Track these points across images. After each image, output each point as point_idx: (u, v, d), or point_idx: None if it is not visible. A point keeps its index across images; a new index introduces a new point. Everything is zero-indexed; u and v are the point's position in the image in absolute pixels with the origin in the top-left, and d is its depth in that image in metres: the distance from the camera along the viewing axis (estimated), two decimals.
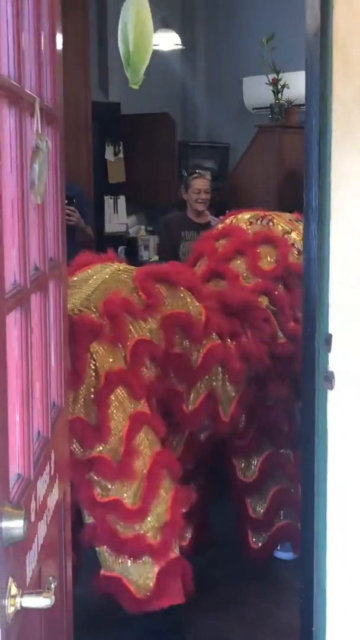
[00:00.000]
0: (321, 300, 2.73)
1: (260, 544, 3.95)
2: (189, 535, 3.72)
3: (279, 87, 6.63)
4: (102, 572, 3.07)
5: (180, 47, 7.04)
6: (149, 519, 3.01)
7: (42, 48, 1.90)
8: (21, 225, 1.62)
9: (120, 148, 7.50)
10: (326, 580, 2.79)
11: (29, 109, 1.71)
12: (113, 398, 3.03)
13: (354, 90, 2.59)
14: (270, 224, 3.95)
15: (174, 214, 5.68)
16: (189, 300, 3.42)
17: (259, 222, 3.97)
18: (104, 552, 3.07)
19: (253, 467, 3.89)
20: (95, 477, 3.01)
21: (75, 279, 3.36)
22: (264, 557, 3.96)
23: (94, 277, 3.34)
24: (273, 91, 6.67)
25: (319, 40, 2.64)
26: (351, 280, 2.67)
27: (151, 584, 3.01)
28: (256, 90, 7.23)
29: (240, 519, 3.97)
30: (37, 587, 1.66)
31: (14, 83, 1.58)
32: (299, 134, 4.87)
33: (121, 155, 7.38)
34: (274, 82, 6.60)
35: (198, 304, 3.45)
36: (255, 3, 7.77)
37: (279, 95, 6.67)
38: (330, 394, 2.72)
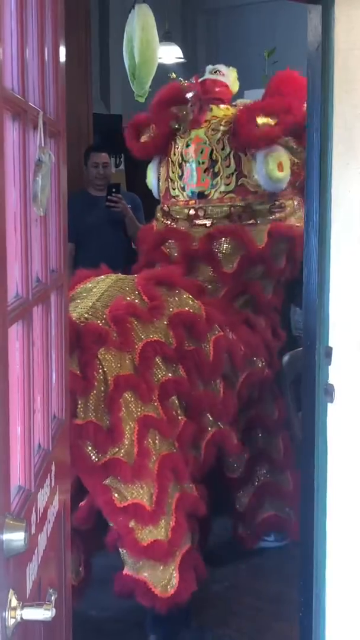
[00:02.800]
0: (321, 312, 2.74)
1: (248, 532, 4.13)
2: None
3: None
4: (125, 571, 3.15)
5: (182, 60, 7.07)
6: (161, 522, 3.10)
7: (46, 61, 1.92)
8: (24, 238, 1.63)
9: (122, 160, 7.52)
10: (325, 593, 2.79)
11: (33, 122, 1.72)
12: (122, 402, 3.09)
13: (355, 106, 2.61)
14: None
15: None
16: (188, 299, 3.54)
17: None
18: (125, 553, 3.15)
19: (241, 462, 4.04)
20: (112, 483, 3.07)
21: (78, 290, 3.45)
22: (252, 545, 4.15)
23: (97, 287, 3.44)
24: None
25: (320, 56, 2.66)
26: (351, 293, 2.68)
27: (174, 583, 3.11)
28: None
29: (233, 513, 4.13)
30: (37, 599, 1.66)
31: (18, 96, 1.59)
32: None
33: (122, 167, 7.40)
34: None
35: (196, 301, 3.57)
36: (256, 17, 7.81)
37: None
38: (330, 406, 2.73)
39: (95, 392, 3.08)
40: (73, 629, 2.28)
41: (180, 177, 4.01)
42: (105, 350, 3.13)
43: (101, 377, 3.10)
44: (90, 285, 3.49)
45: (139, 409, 3.14)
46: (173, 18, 7.56)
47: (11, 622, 1.37)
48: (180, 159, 4.00)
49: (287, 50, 6.48)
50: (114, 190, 5.24)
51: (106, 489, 3.07)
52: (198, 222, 3.96)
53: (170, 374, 3.32)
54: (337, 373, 2.70)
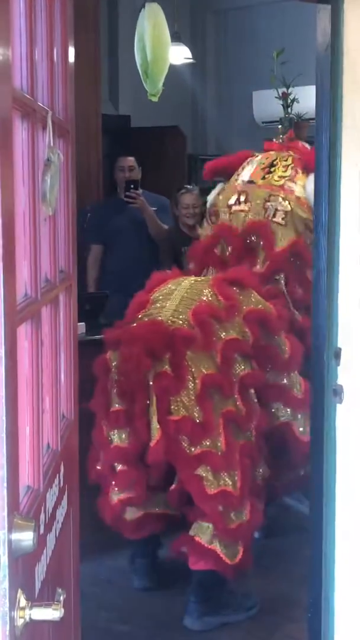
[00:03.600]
0: (331, 314, 2.73)
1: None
2: (262, 507, 3.99)
3: (289, 101, 6.63)
4: (196, 538, 3.45)
5: (190, 60, 7.06)
6: (247, 506, 3.45)
7: (55, 61, 1.92)
8: (33, 237, 1.63)
9: None
10: (334, 595, 2.78)
11: (42, 122, 1.72)
12: (209, 399, 3.41)
13: None
14: (248, 203, 4.10)
15: (172, 229, 5.67)
16: (260, 300, 3.78)
17: (237, 204, 4.14)
18: (205, 526, 3.44)
19: None
20: (202, 472, 3.38)
21: (157, 294, 3.77)
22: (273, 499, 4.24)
23: (176, 290, 3.73)
24: (283, 105, 6.67)
25: (329, 57, 2.66)
26: None
27: (239, 554, 3.47)
28: (266, 104, 7.23)
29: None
30: (46, 599, 1.66)
31: (27, 96, 1.59)
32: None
33: None
34: (284, 96, 6.59)
35: (265, 301, 3.80)
36: (265, 17, 7.80)
37: (289, 109, 6.67)
38: (339, 407, 2.72)
39: (185, 390, 3.40)
40: (81, 631, 2.28)
41: (239, 174, 4.26)
42: (192, 352, 3.45)
43: (190, 377, 3.42)
44: (167, 290, 3.76)
45: (222, 404, 3.46)
46: (182, 19, 7.54)
47: (20, 622, 1.37)
48: (236, 177, 4.26)
49: (296, 51, 6.46)
50: (132, 186, 5.37)
51: (198, 479, 3.39)
52: (236, 207, 4.12)
53: (247, 369, 3.59)
54: (346, 374, 2.70)
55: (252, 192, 4.13)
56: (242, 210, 4.10)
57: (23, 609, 1.38)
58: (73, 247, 2.18)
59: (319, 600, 2.80)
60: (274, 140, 4.58)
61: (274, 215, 4.05)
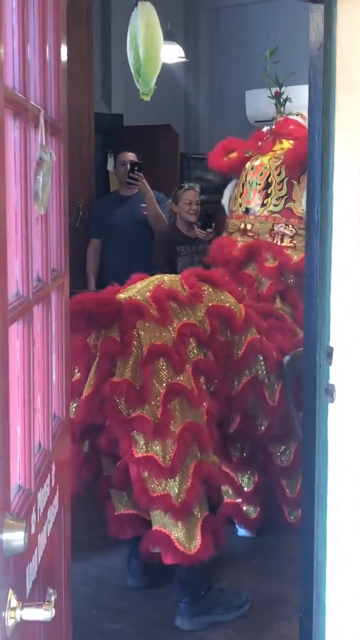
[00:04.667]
0: (323, 313, 2.73)
1: (293, 518, 4.24)
2: (255, 511, 4.13)
3: (282, 100, 6.63)
4: (154, 527, 3.49)
5: (183, 59, 7.06)
6: (172, 481, 3.45)
7: (47, 60, 1.91)
8: (24, 236, 1.63)
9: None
10: (325, 594, 2.78)
11: (34, 120, 1.71)
12: (153, 368, 3.51)
13: (357, 105, 2.61)
14: (255, 236, 4.32)
15: (168, 228, 5.69)
16: (230, 299, 3.92)
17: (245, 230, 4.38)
18: (157, 512, 3.49)
19: (289, 452, 4.22)
20: (135, 436, 3.47)
21: (130, 286, 3.90)
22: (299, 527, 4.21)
23: (146, 281, 3.90)
24: (275, 104, 6.67)
25: (322, 56, 2.66)
26: (352, 293, 2.67)
27: (197, 543, 3.46)
28: (259, 103, 7.22)
29: (277, 499, 4.30)
30: (37, 599, 1.65)
31: (19, 95, 1.59)
32: None
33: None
34: (277, 96, 6.60)
35: (238, 303, 3.94)
36: (258, 16, 7.80)
37: (282, 108, 6.67)
38: (331, 406, 2.73)
39: (132, 357, 3.51)
40: (72, 629, 2.28)
41: (241, 195, 4.45)
42: (142, 322, 3.57)
43: (138, 344, 3.53)
44: (139, 283, 3.91)
45: (170, 377, 3.55)
46: (175, 17, 7.56)
47: (10, 622, 1.36)
48: (244, 179, 4.46)
49: (289, 50, 6.46)
50: (135, 168, 5.46)
51: (129, 440, 3.48)
52: (244, 238, 4.36)
53: (202, 356, 3.70)
54: (338, 373, 2.70)
55: (255, 225, 4.34)
56: (251, 237, 4.33)
57: (14, 609, 1.37)
58: (65, 246, 2.17)
59: (311, 599, 2.80)
60: (265, 129, 4.75)
61: (282, 241, 4.25)
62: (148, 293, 3.73)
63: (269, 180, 4.34)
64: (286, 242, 4.24)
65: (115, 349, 3.52)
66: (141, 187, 5.55)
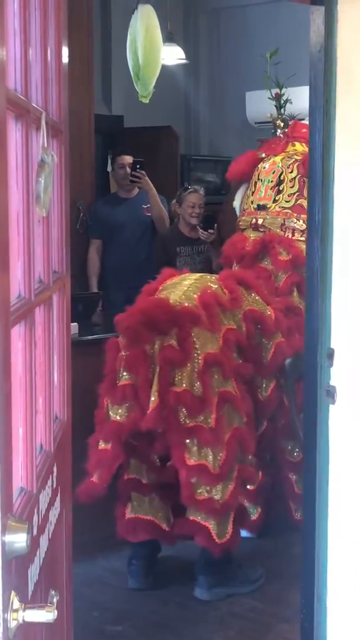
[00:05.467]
0: (323, 314, 2.73)
1: (299, 515, 4.14)
2: (256, 511, 4.14)
3: (282, 101, 6.63)
4: (191, 517, 3.64)
5: (184, 61, 7.06)
6: (220, 486, 3.58)
7: (49, 62, 1.92)
8: (26, 238, 1.63)
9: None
10: (327, 595, 2.78)
11: (35, 122, 1.72)
12: (210, 377, 3.59)
13: (358, 106, 2.61)
14: (265, 230, 4.39)
15: (168, 229, 5.71)
16: (259, 302, 4.00)
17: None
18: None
19: (299, 447, 4.22)
20: (188, 443, 3.56)
21: (168, 284, 3.97)
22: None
23: (185, 281, 3.94)
24: (276, 106, 6.66)
25: (323, 57, 2.66)
26: (354, 295, 2.67)
27: (228, 534, 3.64)
28: (259, 105, 7.22)
29: (284, 495, 4.34)
30: (39, 601, 1.65)
31: (21, 97, 1.59)
32: None
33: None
34: (277, 97, 6.60)
35: (267, 306, 4.03)
36: (258, 18, 7.80)
37: (282, 110, 6.67)
38: (332, 408, 2.72)
39: (190, 364, 3.57)
40: (74, 631, 2.28)
41: (252, 193, 4.53)
42: (198, 330, 3.63)
43: (195, 352, 3.60)
44: (177, 280, 3.97)
45: (221, 384, 3.64)
46: (175, 19, 7.54)
47: (13, 624, 1.36)
48: (256, 177, 4.55)
49: (289, 52, 6.46)
50: (138, 166, 5.52)
51: (182, 447, 3.56)
52: (255, 233, 4.42)
53: (240, 360, 3.80)
54: (338, 375, 2.70)
55: (267, 220, 4.40)
56: (262, 232, 4.39)
57: (16, 611, 1.37)
58: (66, 247, 2.17)
59: (312, 600, 2.80)
60: (279, 133, 4.85)
61: (293, 235, 4.33)
62: (195, 295, 3.76)
63: (281, 178, 4.43)
64: (297, 236, 4.31)
65: (176, 357, 3.56)
66: (144, 185, 5.58)
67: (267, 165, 4.54)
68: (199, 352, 3.61)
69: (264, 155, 4.65)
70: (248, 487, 4.26)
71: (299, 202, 4.34)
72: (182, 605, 3.78)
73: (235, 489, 3.65)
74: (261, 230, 4.41)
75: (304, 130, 4.61)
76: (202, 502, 3.58)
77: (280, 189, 4.42)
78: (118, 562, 4.09)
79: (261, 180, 4.51)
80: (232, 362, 3.72)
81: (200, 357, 3.60)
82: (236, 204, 4.76)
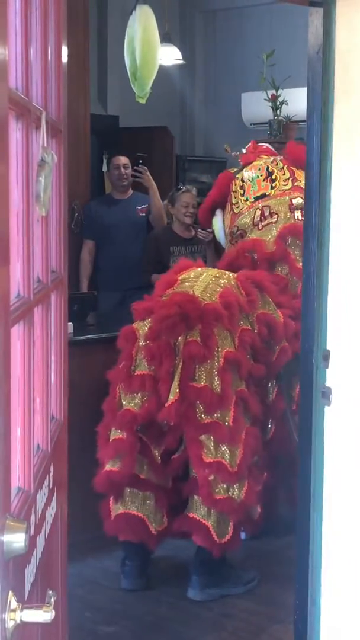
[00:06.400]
0: (320, 316, 2.74)
1: None
2: (257, 511, 4.06)
3: (278, 103, 6.64)
4: (190, 514, 3.65)
5: (180, 62, 7.06)
6: (238, 485, 3.61)
7: (49, 61, 1.91)
8: (26, 238, 1.62)
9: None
10: (320, 597, 2.78)
11: (36, 122, 1.71)
12: (229, 373, 3.62)
13: (355, 109, 2.61)
14: (274, 216, 4.31)
15: (161, 229, 5.71)
16: (272, 305, 3.99)
17: (262, 219, 4.35)
18: (197, 500, 3.64)
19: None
20: (204, 440, 3.58)
21: (186, 276, 3.98)
22: None
23: (203, 275, 3.95)
24: (272, 107, 6.67)
25: (321, 59, 2.66)
26: (350, 297, 2.67)
27: (228, 535, 3.64)
28: (255, 106, 7.24)
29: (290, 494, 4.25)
30: (36, 601, 1.65)
31: (22, 96, 1.59)
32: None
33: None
34: (273, 98, 6.60)
35: (277, 309, 4.01)
36: (255, 19, 7.81)
37: (278, 111, 6.68)
38: (328, 409, 2.73)
39: (211, 361, 3.61)
40: (68, 631, 2.28)
41: (243, 195, 4.45)
42: (219, 328, 3.67)
43: (216, 350, 3.63)
44: (195, 273, 3.97)
45: (237, 383, 3.69)
46: (171, 20, 7.54)
47: (10, 624, 1.36)
48: (240, 184, 4.46)
49: (285, 53, 6.48)
50: (140, 161, 5.56)
51: (200, 444, 3.58)
52: (264, 223, 4.31)
53: (252, 362, 3.82)
54: (334, 376, 2.70)
55: (273, 204, 4.33)
56: (271, 223, 4.30)
57: (14, 610, 1.37)
58: (64, 247, 2.17)
59: (306, 602, 2.80)
60: (267, 145, 4.79)
61: (302, 215, 4.19)
62: (216, 292, 3.78)
63: (269, 170, 4.40)
64: None
65: (199, 353, 3.58)
66: (145, 180, 5.64)
67: (245, 172, 4.48)
68: (219, 349, 3.64)
69: (235, 169, 4.63)
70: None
71: (296, 184, 4.30)
72: (176, 606, 3.77)
73: (251, 489, 3.66)
74: (267, 220, 4.29)
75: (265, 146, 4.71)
76: (220, 501, 3.58)
77: (273, 177, 4.38)
78: (110, 563, 4.08)
79: (249, 180, 4.44)
80: (247, 363, 3.76)
81: (221, 355, 3.63)
82: (217, 227, 4.66)
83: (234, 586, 3.84)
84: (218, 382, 3.61)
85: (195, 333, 3.61)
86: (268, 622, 3.65)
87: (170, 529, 3.79)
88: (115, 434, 3.68)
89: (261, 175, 4.41)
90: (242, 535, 4.36)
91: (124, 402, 3.68)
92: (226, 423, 3.60)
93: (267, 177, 4.39)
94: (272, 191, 4.35)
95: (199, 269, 4.08)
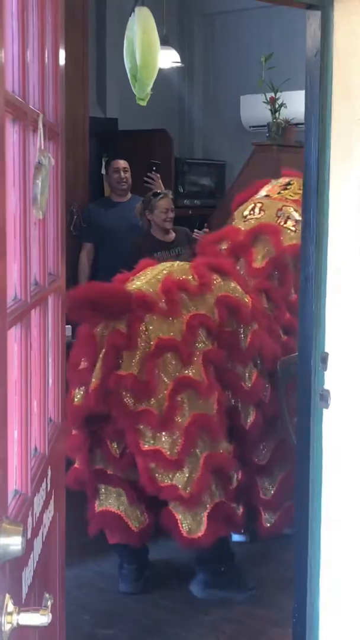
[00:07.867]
0: (318, 319, 2.74)
1: (269, 524, 4.16)
2: (240, 510, 3.97)
3: (277, 106, 6.65)
4: (169, 506, 3.59)
5: (179, 64, 7.07)
6: (179, 473, 3.53)
7: (46, 64, 1.91)
8: (23, 240, 1.62)
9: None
10: (319, 600, 2.78)
11: (33, 124, 1.71)
12: (160, 362, 3.57)
13: (353, 112, 2.61)
14: (262, 212, 4.32)
15: (142, 236, 5.67)
16: (238, 289, 3.92)
17: (251, 214, 4.36)
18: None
19: (265, 451, 4.12)
20: (142, 428, 3.54)
21: (140, 274, 3.94)
22: (274, 535, 4.17)
23: (157, 269, 3.93)
24: (270, 110, 6.68)
25: (319, 62, 2.66)
26: (348, 300, 2.68)
27: (203, 529, 3.57)
28: (253, 109, 7.25)
29: (252, 500, 4.13)
30: (33, 604, 1.65)
31: (19, 99, 1.59)
32: (296, 153, 4.93)
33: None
34: (272, 101, 6.61)
35: (245, 294, 3.94)
36: (253, 22, 7.81)
37: (277, 114, 6.69)
38: (326, 412, 2.73)
39: (139, 351, 3.56)
40: (65, 634, 2.27)
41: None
42: (151, 315, 3.62)
43: (146, 338, 3.58)
44: (150, 269, 3.96)
45: (178, 370, 3.60)
46: (170, 23, 7.55)
47: (7, 627, 1.36)
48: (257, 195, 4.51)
49: (284, 56, 6.48)
50: (154, 168, 5.59)
51: (135, 433, 3.55)
52: (250, 216, 4.33)
53: (211, 346, 3.74)
54: (332, 379, 2.70)
55: (267, 203, 4.36)
56: (255, 218, 4.31)
57: (11, 614, 1.37)
58: (62, 250, 2.17)
59: (304, 605, 2.80)
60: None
61: (285, 222, 4.27)
62: (159, 283, 3.75)
63: (291, 182, 4.45)
64: (289, 224, 4.24)
65: (121, 342, 3.56)
66: (156, 188, 5.63)
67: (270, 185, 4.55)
68: (150, 337, 3.59)
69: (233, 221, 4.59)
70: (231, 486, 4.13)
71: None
72: (174, 609, 3.77)
73: (203, 478, 3.56)
74: (254, 215, 4.32)
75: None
76: (165, 488, 3.54)
77: (288, 187, 4.43)
78: (108, 566, 4.08)
79: (269, 184, 4.52)
80: (193, 349, 3.66)
81: (152, 342, 3.58)
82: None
83: (237, 591, 3.82)
84: (145, 370, 3.57)
85: (122, 322, 3.59)
86: (267, 625, 3.64)
87: (154, 525, 3.76)
88: (73, 431, 3.67)
89: (280, 183, 4.49)
90: (244, 538, 4.36)
91: (74, 399, 3.67)
92: (161, 410, 3.53)
93: (283, 185, 4.47)
94: (277, 196, 4.40)
95: (159, 265, 4.06)
